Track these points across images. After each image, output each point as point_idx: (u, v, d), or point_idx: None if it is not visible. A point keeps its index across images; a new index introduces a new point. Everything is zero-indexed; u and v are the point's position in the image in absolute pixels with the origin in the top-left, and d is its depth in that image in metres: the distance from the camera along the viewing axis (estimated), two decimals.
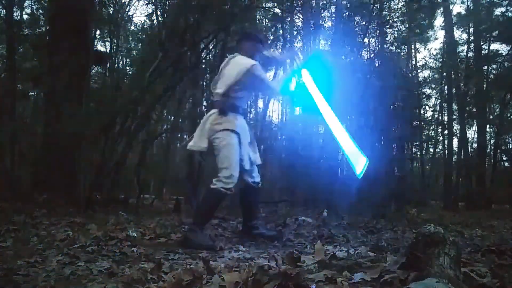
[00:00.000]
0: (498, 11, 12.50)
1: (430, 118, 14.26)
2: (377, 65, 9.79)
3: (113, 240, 2.58)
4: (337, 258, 1.58)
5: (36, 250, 2.29)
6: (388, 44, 10.18)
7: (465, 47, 14.55)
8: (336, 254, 1.69)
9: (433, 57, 15.57)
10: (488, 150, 14.85)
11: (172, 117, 9.84)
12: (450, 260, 1.18)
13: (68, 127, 4.47)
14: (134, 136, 5.64)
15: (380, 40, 10.38)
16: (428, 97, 13.45)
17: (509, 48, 12.68)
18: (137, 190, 6.25)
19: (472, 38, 14.22)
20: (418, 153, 13.93)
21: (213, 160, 2.90)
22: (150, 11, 8.06)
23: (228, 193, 2.73)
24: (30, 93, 9.20)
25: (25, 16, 9.12)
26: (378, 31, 9.78)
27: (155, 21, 7.32)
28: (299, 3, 9.02)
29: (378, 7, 9.17)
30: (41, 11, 8.21)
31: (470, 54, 14.06)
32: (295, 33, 10.40)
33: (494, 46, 13.64)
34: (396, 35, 10.21)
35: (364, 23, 8.84)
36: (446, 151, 14.84)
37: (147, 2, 8.43)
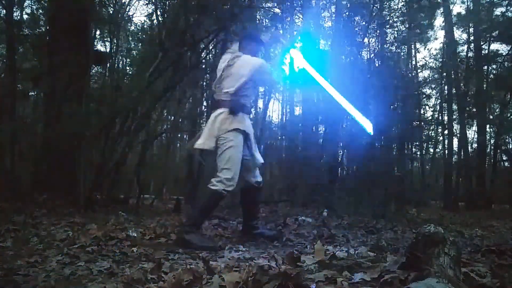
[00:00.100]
0: (498, 11, 12.52)
1: (430, 118, 14.23)
2: (377, 65, 9.80)
3: (113, 240, 2.58)
4: (337, 258, 1.58)
5: (36, 250, 2.30)
6: (388, 44, 10.18)
7: (465, 47, 14.58)
8: (336, 254, 1.69)
9: (433, 57, 15.59)
10: (488, 150, 14.85)
11: (172, 117, 9.84)
12: (450, 260, 1.18)
13: (68, 127, 4.47)
14: (134, 136, 5.63)
15: (380, 40, 10.38)
16: (428, 97, 13.45)
17: (509, 48, 12.69)
18: (137, 190, 6.25)
19: (472, 38, 14.23)
20: (418, 153, 13.92)
21: (213, 160, 2.90)
22: (150, 11, 8.06)
23: (227, 194, 2.74)
24: (30, 93, 9.20)
25: (25, 16, 9.13)
26: (378, 31, 9.78)
27: (155, 21, 7.32)
28: (299, 3, 9.02)
29: (378, 7, 9.17)
30: (41, 11, 8.21)
31: (470, 54, 14.07)
32: (295, 33, 10.39)
33: (494, 46, 13.66)
34: (396, 35, 10.21)
35: (364, 23, 8.84)
36: (446, 151, 14.85)
37: (147, 2, 8.43)
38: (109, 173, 5.21)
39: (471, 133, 16.15)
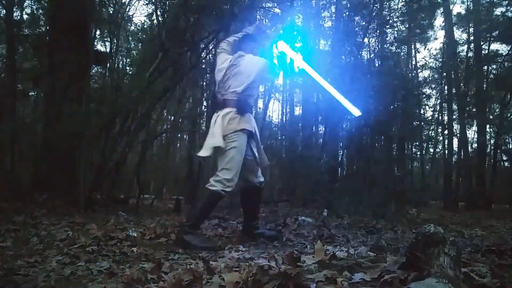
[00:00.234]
0: (498, 11, 12.52)
1: (430, 118, 14.23)
2: (377, 65, 9.81)
3: (113, 240, 2.58)
4: (337, 258, 1.58)
5: (36, 250, 2.29)
6: (388, 44, 10.18)
7: (465, 47, 14.57)
8: (336, 254, 1.69)
9: (433, 57, 15.56)
10: (488, 150, 14.84)
11: (172, 117, 9.84)
12: (450, 260, 1.18)
13: (68, 127, 4.47)
14: (134, 136, 5.63)
15: (380, 40, 10.39)
16: (428, 97, 13.43)
17: (509, 48, 12.68)
18: (137, 190, 6.25)
19: (472, 38, 14.22)
20: (418, 153, 13.92)
21: (213, 160, 2.90)
22: (150, 11, 8.05)
23: (225, 195, 2.74)
24: (30, 93, 9.20)
25: (25, 16, 9.13)
26: (378, 31, 9.78)
27: (155, 21, 7.31)
28: (299, 3, 9.01)
29: (378, 7, 9.17)
30: (41, 11, 8.20)
31: (470, 54, 14.06)
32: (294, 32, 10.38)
33: (494, 46, 13.66)
34: (396, 35, 10.21)
35: (364, 23, 8.84)
36: (446, 151, 14.84)
37: (147, 2, 8.42)
38: (109, 173, 5.22)
39: (471, 133, 16.17)
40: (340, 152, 8.80)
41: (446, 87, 14.97)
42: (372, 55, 10.65)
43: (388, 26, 9.60)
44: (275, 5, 7.04)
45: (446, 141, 14.90)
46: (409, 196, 7.83)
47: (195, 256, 2.20)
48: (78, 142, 4.59)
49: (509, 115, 13.00)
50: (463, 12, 14.73)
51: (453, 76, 14.03)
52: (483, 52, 13.57)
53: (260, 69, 2.85)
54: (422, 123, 12.37)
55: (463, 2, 14.63)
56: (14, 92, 6.12)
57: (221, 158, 2.73)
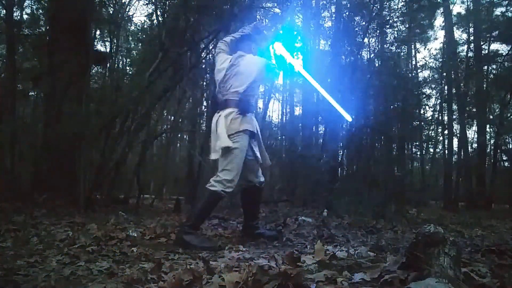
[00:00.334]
0: (498, 11, 12.52)
1: (430, 118, 14.23)
2: (377, 65, 9.81)
3: (113, 240, 2.58)
4: (337, 258, 1.58)
5: (36, 250, 2.29)
6: (388, 44, 10.19)
7: (465, 47, 14.56)
8: (336, 254, 1.69)
9: (433, 57, 15.57)
10: (488, 150, 14.84)
11: (172, 117, 9.84)
12: (450, 260, 1.18)
13: (68, 127, 4.47)
14: (134, 136, 5.63)
15: (380, 40, 10.39)
16: (428, 97, 13.44)
17: (509, 48, 12.67)
18: (137, 190, 6.25)
19: (472, 38, 14.22)
20: (418, 153, 13.92)
21: (213, 160, 2.89)
22: (150, 11, 8.05)
23: (225, 195, 2.74)
24: (30, 93, 9.19)
25: (25, 16, 9.13)
26: (378, 31, 9.78)
27: (155, 21, 7.31)
28: (299, 3, 9.02)
29: (378, 7, 9.17)
30: (41, 11, 8.20)
31: (470, 54, 14.05)
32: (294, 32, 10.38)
33: (494, 46, 13.65)
34: (396, 35, 10.22)
35: (364, 23, 8.84)
36: (446, 151, 14.83)
37: (147, 2, 8.42)
38: (109, 173, 5.22)
39: (471, 133, 16.17)
40: (340, 152, 8.81)
41: (446, 87, 14.96)
42: (372, 55, 10.66)
43: (388, 26, 9.61)
44: (275, 5, 7.05)
45: (446, 141, 14.91)
46: (409, 196, 7.82)
47: (195, 256, 2.20)
48: (78, 142, 4.59)
49: (509, 115, 13.00)
50: (463, 12, 14.75)
51: (453, 76, 14.03)
52: (483, 52, 13.56)
53: (261, 68, 2.85)
54: (422, 123, 12.38)
55: (463, 2, 14.65)
56: (14, 92, 6.12)
57: (223, 159, 2.72)
